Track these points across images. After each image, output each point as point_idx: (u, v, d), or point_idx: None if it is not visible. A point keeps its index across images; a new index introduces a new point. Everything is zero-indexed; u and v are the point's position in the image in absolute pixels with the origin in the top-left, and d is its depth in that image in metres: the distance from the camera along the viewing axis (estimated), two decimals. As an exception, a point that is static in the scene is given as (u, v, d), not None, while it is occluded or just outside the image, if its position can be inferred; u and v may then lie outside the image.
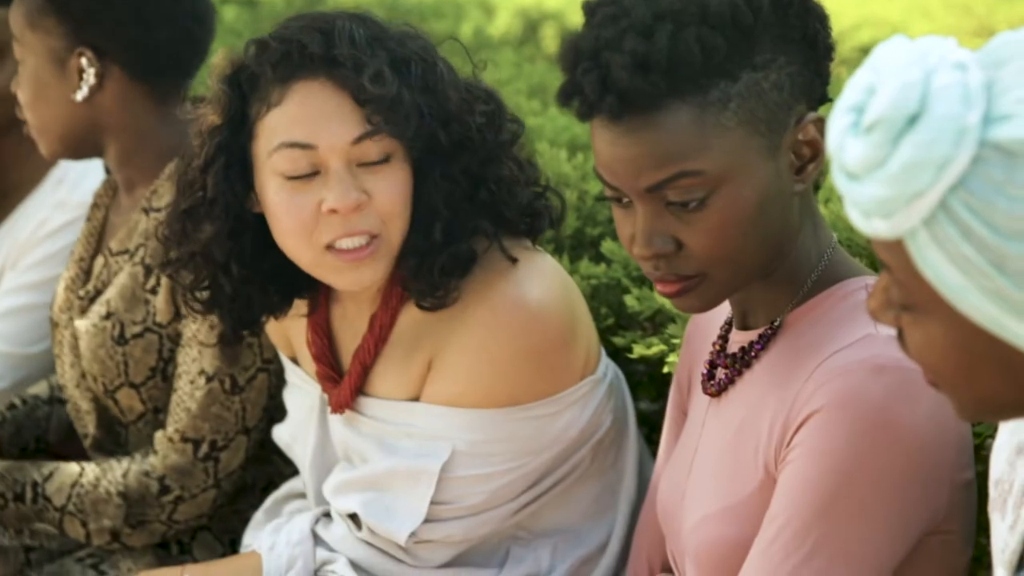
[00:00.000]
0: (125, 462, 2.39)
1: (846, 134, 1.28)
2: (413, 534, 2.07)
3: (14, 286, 2.87)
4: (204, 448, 2.36)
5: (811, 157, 1.68)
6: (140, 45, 2.42)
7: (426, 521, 2.07)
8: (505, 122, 2.11)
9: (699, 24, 1.61)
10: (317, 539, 2.15)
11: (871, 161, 1.26)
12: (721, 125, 1.63)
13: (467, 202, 2.06)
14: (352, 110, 1.99)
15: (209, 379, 2.33)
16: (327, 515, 2.19)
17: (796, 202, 1.70)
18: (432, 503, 2.06)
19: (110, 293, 2.44)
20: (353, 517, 2.13)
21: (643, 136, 1.63)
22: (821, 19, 1.70)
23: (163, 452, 2.37)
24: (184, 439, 2.36)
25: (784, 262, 1.73)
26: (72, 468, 2.41)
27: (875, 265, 1.94)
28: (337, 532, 2.14)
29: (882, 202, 1.26)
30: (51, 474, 2.41)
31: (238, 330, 2.19)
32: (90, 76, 2.41)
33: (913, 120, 1.24)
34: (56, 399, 2.71)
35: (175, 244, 2.12)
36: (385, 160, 2.01)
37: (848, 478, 1.61)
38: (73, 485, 2.39)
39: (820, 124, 1.68)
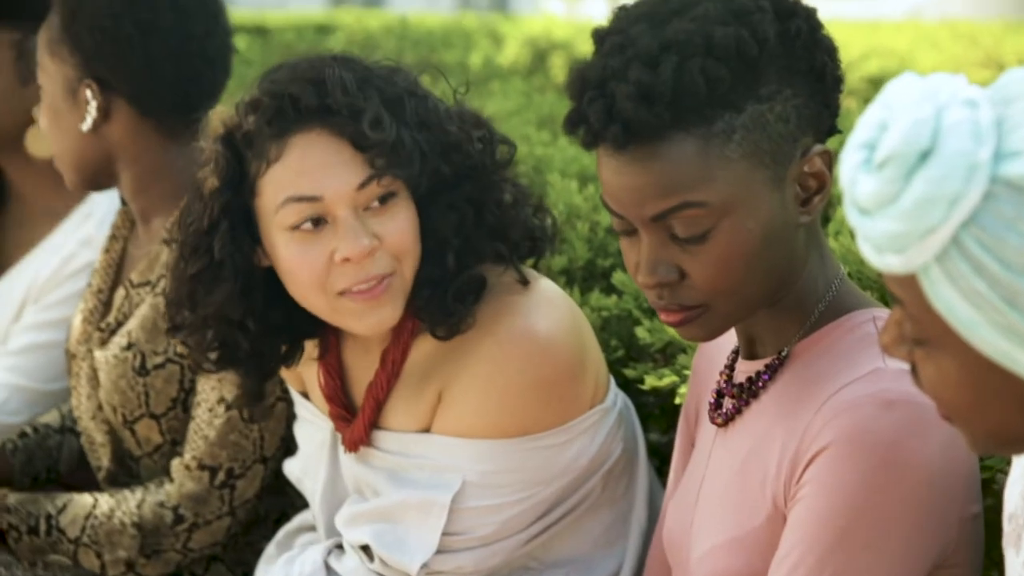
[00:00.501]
0: (139, 492, 2.40)
1: (858, 170, 1.29)
2: (425, 565, 2.07)
3: (36, 322, 2.87)
4: (221, 476, 2.37)
5: (817, 189, 1.69)
6: (144, 81, 2.44)
7: (438, 552, 2.07)
8: (497, 144, 2.13)
9: (704, 55, 1.62)
10: (330, 571, 2.15)
11: (883, 197, 1.27)
12: (725, 157, 1.64)
13: (475, 229, 2.07)
14: (352, 156, 2.00)
15: (228, 407, 2.34)
16: (339, 547, 2.19)
17: (802, 233, 1.71)
18: (443, 534, 2.06)
19: (131, 324, 2.45)
20: (365, 549, 2.13)
21: (647, 166, 1.64)
22: (829, 51, 1.70)
23: (179, 480, 2.38)
24: (201, 467, 2.37)
25: (790, 292, 1.73)
26: (86, 500, 2.42)
27: (885, 298, 1.94)
28: (349, 564, 2.14)
29: (894, 238, 1.27)
30: (65, 506, 2.41)
31: (261, 384, 2.20)
32: (92, 108, 2.44)
33: (925, 156, 1.26)
34: (67, 428, 2.71)
35: (187, 309, 2.12)
36: (390, 199, 2.02)
37: (860, 514, 1.61)
38: (87, 517, 2.39)
39: (827, 157, 1.68)
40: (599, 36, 1.69)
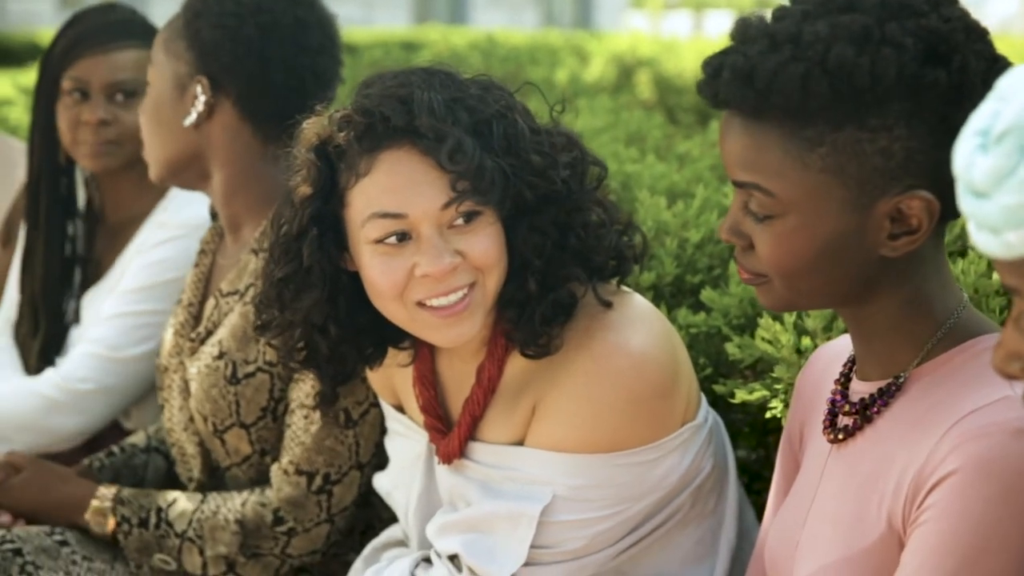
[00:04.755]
0: (245, 493, 2.45)
1: (974, 154, 1.28)
2: (513, 576, 2.08)
3: (113, 295, 2.95)
4: (318, 481, 2.39)
5: (908, 231, 1.66)
6: (254, 84, 2.49)
7: (526, 564, 2.07)
8: (588, 166, 2.13)
9: (815, 64, 1.62)
10: (416, 582, 2.17)
11: (1001, 171, 1.26)
12: (802, 162, 1.64)
13: (558, 251, 2.08)
14: (439, 176, 2.01)
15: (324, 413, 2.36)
16: (427, 560, 2.20)
17: (878, 262, 1.68)
18: (532, 547, 2.07)
19: (221, 333, 2.49)
20: (454, 558, 2.14)
21: (740, 136, 1.68)
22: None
23: (277, 484, 2.41)
24: (299, 471, 2.40)
25: (895, 316, 1.71)
26: (195, 496, 2.47)
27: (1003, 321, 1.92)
28: (436, 575, 2.15)
29: (1013, 210, 1.25)
30: (175, 500, 2.47)
31: (336, 387, 2.22)
32: (200, 104, 2.50)
33: None
34: (153, 448, 2.75)
35: (275, 311, 2.14)
36: (475, 217, 2.03)
37: (985, 542, 1.58)
38: (195, 511, 2.44)
39: (931, 205, 1.64)
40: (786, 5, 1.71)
